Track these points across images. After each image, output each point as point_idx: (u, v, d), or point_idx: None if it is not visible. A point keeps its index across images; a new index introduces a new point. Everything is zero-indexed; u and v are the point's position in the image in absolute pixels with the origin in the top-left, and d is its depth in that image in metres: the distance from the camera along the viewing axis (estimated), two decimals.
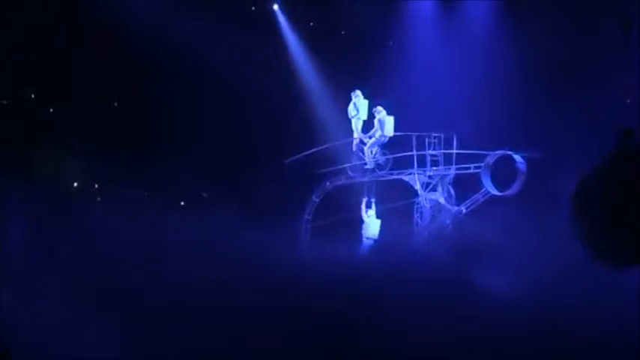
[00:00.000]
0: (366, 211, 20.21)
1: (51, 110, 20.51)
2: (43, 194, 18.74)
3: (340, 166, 20.42)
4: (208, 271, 16.56)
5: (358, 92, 20.08)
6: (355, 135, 20.09)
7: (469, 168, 19.23)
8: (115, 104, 21.05)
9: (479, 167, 19.01)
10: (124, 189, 19.02)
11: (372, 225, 20.13)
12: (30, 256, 17.20)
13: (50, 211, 18.34)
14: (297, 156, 20.21)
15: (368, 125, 20.10)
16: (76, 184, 20.29)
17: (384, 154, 20.14)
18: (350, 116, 20.13)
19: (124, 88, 20.69)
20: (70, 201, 19.05)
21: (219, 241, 17.84)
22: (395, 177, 19.96)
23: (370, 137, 20.04)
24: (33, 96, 20.51)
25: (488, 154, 18.89)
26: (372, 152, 20.11)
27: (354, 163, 20.26)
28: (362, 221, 20.23)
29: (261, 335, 14.62)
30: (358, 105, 20.07)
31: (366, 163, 20.15)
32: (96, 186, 20.58)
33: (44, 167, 19.65)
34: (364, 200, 20.27)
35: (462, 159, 19.36)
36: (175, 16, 19.86)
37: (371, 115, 19.99)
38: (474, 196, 19.13)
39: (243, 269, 16.73)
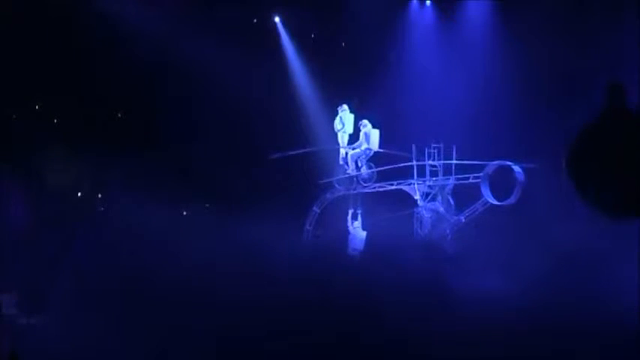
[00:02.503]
0: (352, 223, 20.38)
1: (55, 121, 20.61)
2: (46, 203, 19.00)
3: (337, 178, 20.66)
4: (210, 278, 16.71)
5: (345, 106, 20.38)
6: (341, 148, 20.41)
7: (468, 178, 19.38)
8: (119, 115, 21.16)
9: (478, 177, 19.16)
10: (126, 198, 19.20)
11: (357, 236, 20.29)
12: (36, 262, 17.38)
13: (54, 219, 18.55)
14: (288, 153, 20.30)
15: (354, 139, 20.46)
16: (79, 194, 20.37)
17: (369, 167, 20.38)
18: (336, 130, 20.41)
19: (128, 98, 20.82)
20: (74, 210, 19.22)
21: (222, 249, 17.96)
22: (395, 187, 20.13)
23: (355, 149, 20.35)
24: (37, 107, 20.65)
25: (487, 164, 19.06)
26: (357, 165, 20.37)
27: (340, 177, 20.49)
28: (348, 233, 20.43)
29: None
30: (344, 119, 20.35)
31: (352, 176, 20.37)
32: (99, 195, 20.68)
33: (48, 177, 19.81)
34: (350, 212, 20.47)
35: (461, 169, 19.50)
36: (178, 27, 19.97)
37: (357, 129, 20.33)
38: (473, 206, 19.26)
39: (244, 278, 16.88)
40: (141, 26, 19.69)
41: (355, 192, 20.54)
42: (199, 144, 20.80)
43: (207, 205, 21.42)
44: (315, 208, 20.74)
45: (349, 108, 20.43)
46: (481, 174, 19.05)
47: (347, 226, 20.45)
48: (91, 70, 19.96)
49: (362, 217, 20.45)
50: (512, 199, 18.85)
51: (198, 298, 16.18)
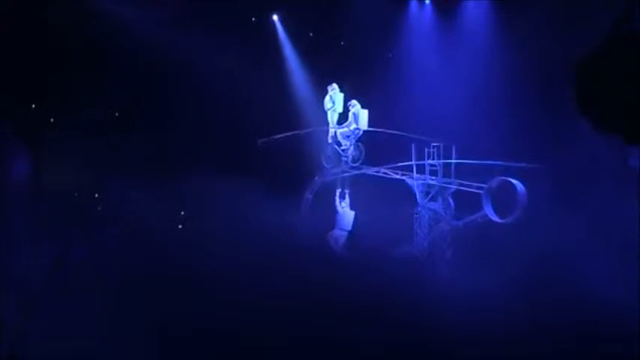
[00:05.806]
0: (340, 202, 20.45)
1: (52, 120, 20.53)
2: (44, 203, 18.97)
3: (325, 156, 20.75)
4: (207, 272, 16.81)
5: (334, 85, 20.56)
6: (330, 127, 20.55)
7: (471, 186, 19.30)
8: (116, 114, 21.09)
9: (480, 188, 19.06)
10: (124, 196, 19.18)
11: (345, 216, 20.42)
12: (34, 263, 17.37)
13: (52, 219, 18.52)
14: (276, 137, 20.36)
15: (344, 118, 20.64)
16: (77, 194, 20.32)
17: (357, 147, 20.49)
18: (326, 108, 20.60)
19: (124, 97, 20.78)
20: (72, 209, 19.21)
21: (218, 241, 18.02)
22: (399, 177, 20.10)
23: (344, 129, 20.48)
24: (34, 106, 20.58)
25: (491, 179, 18.86)
26: (346, 144, 20.47)
27: (328, 155, 20.65)
28: (336, 212, 20.44)
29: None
30: (334, 98, 20.55)
31: (340, 155, 20.55)
32: (97, 195, 20.62)
33: (45, 176, 19.78)
34: (338, 191, 20.54)
35: (461, 169, 19.52)
36: (176, 25, 19.90)
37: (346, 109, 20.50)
38: (473, 217, 19.23)
39: (240, 269, 16.94)
40: (138, 24, 19.59)
41: (343, 172, 20.61)
42: (198, 143, 20.79)
43: (206, 205, 21.42)
44: (307, 194, 20.75)
45: (339, 87, 20.51)
46: (484, 185, 18.95)
47: (334, 206, 20.49)
48: (88, 69, 19.83)
49: (350, 196, 20.53)
50: (512, 217, 18.69)
51: (199, 296, 16.23)
